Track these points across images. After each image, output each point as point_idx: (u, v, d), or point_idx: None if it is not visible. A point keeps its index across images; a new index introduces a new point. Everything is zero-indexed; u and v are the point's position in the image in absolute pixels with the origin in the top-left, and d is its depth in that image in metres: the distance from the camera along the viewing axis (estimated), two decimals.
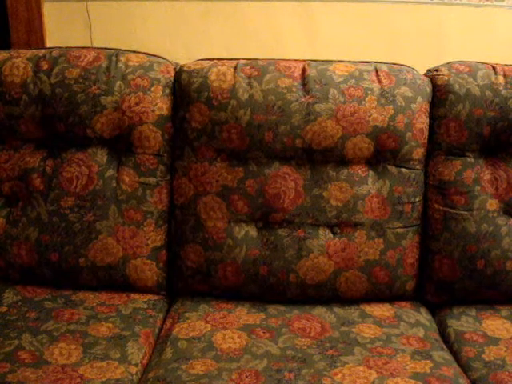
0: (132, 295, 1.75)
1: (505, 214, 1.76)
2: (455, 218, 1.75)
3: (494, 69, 1.78)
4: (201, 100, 1.73)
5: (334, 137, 1.72)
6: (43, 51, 1.82)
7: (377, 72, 1.77)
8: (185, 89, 1.76)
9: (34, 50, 1.83)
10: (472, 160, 1.76)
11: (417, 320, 1.70)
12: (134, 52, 1.83)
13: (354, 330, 1.64)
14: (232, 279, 1.75)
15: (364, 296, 1.77)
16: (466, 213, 1.74)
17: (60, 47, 1.85)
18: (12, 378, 1.38)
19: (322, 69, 1.76)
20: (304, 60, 1.81)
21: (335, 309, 1.73)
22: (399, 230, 1.76)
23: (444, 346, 1.61)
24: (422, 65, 1.85)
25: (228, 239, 1.74)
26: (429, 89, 1.78)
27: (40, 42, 2.16)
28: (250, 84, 1.73)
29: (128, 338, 1.56)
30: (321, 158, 1.74)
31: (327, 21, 2.17)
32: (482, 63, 1.81)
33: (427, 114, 1.76)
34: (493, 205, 1.75)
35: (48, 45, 2.17)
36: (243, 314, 1.69)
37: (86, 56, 1.78)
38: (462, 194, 1.75)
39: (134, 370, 1.48)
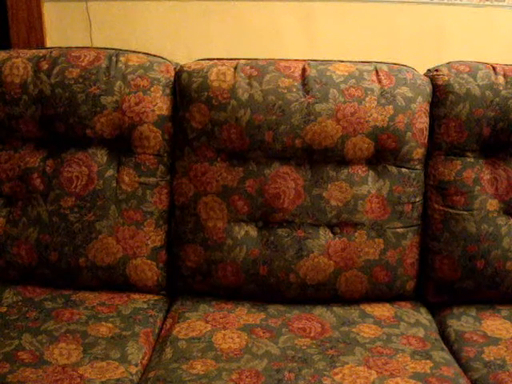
0: (132, 295, 1.75)
1: (505, 214, 1.76)
2: (455, 218, 1.75)
3: (494, 69, 1.78)
4: (201, 100, 1.73)
5: (334, 137, 1.72)
6: (43, 51, 1.82)
7: (377, 72, 1.77)
8: (185, 89, 1.76)
9: (34, 50, 1.83)
10: (472, 160, 1.76)
11: (417, 320, 1.70)
12: (134, 52, 1.83)
13: (354, 329, 1.64)
14: (232, 279, 1.75)
15: (364, 296, 1.77)
16: (466, 213, 1.74)
17: (60, 47, 1.85)
18: (12, 378, 1.38)
19: (322, 69, 1.76)
20: (304, 60, 1.81)
21: (335, 309, 1.73)
22: (399, 230, 1.76)
23: (444, 346, 1.61)
24: (422, 65, 1.85)
25: (228, 239, 1.74)
26: (429, 89, 1.78)
27: (40, 42, 2.16)
28: (249, 84, 1.73)
29: (128, 338, 1.56)
30: (321, 158, 1.74)
31: (327, 21, 2.17)
32: (482, 63, 1.81)
33: (427, 114, 1.77)
34: (493, 205, 1.75)
35: (48, 45, 2.17)
36: (243, 314, 1.69)
37: (85, 56, 1.78)
38: (462, 194, 1.75)
39: (133, 369, 1.48)
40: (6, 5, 2.15)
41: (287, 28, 2.17)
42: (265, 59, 1.81)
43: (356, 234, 1.74)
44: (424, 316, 1.73)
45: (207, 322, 1.65)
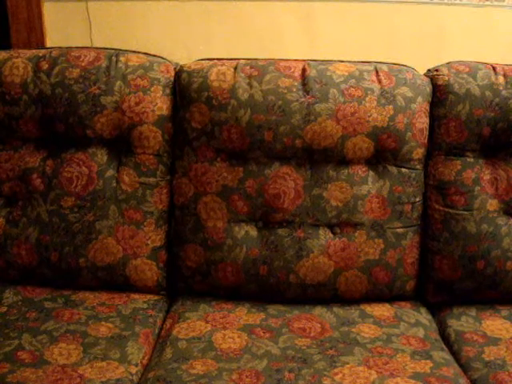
0: (132, 295, 1.75)
1: (505, 214, 1.76)
2: (455, 218, 1.75)
3: (494, 69, 1.78)
4: (201, 100, 1.73)
5: (334, 137, 1.72)
6: (43, 51, 1.82)
7: (377, 72, 1.77)
8: (185, 89, 1.76)
9: (34, 50, 1.83)
10: (472, 160, 1.76)
11: (417, 320, 1.70)
12: (134, 52, 1.83)
13: (353, 330, 1.64)
14: (232, 279, 1.75)
15: (364, 296, 1.77)
16: (466, 213, 1.74)
17: (60, 47, 1.85)
18: (12, 378, 1.38)
19: (322, 69, 1.76)
20: (304, 60, 1.81)
21: (335, 309, 1.73)
22: (399, 230, 1.76)
23: (444, 346, 1.61)
24: (422, 65, 1.85)
25: (228, 239, 1.74)
26: (429, 89, 1.78)
27: (40, 42, 2.16)
28: (250, 84, 1.73)
29: (128, 338, 1.56)
30: (321, 158, 1.75)
31: (327, 21, 2.17)
32: (482, 63, 1.81)
33: (427, 113, 1.77)
34: (493, 205, 1.75)
35: (48, 45, 2.17)
36: (243, 314, 1.69)
37: (86, 56, 1.78)
38: (462, 194, 1.75)
39: (133, 369, 1.48)
40: (5, 5, 2.15)
41: (287, 28, 2.17)
42: (265, 59, 1.81)
43: (356, 233, 1.74)
44: (424, 316, 1.73)
45: (207, 322, 1.65)
